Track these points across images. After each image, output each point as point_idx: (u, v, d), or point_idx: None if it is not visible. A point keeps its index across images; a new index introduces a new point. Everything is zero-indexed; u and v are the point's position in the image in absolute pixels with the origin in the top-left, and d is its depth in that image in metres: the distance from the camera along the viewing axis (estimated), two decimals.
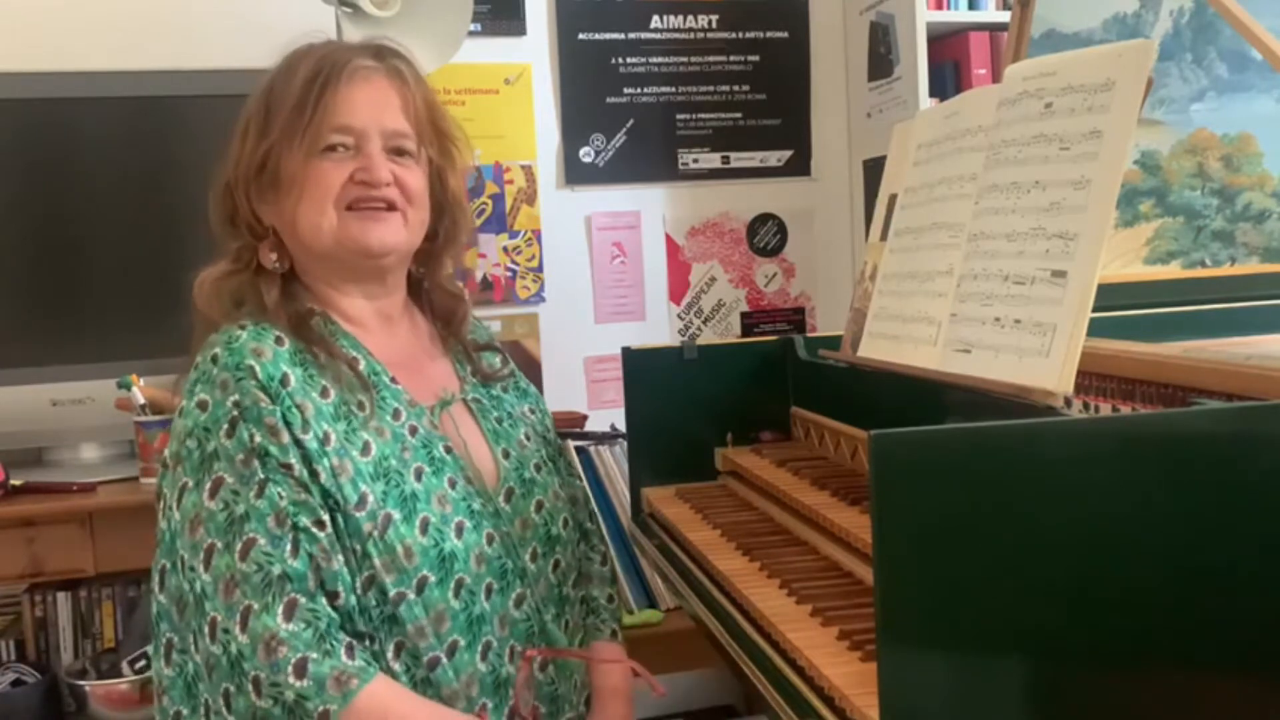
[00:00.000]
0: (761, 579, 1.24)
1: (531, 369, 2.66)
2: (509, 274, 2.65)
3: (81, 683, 1.91)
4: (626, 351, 1.73)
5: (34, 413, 2.02)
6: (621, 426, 1.95)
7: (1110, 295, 1.25)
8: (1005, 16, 2.49)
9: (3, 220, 2.04)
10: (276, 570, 1.15)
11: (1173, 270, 1.83)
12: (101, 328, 2.05)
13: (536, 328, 2.68)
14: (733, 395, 1.73)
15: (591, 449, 2.15)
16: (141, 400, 1.92)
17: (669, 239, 2.77)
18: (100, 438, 2.13)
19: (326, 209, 1.28)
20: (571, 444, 2.13)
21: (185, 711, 1.18)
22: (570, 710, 1.35)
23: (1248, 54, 1.87)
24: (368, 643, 1.19)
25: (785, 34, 2.83)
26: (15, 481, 1.95)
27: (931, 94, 2.53)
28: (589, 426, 2.28)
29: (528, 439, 1.42)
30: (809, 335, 1.90)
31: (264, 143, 1.28)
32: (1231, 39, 1.88)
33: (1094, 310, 1.04)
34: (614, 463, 2.13)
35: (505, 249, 2.65)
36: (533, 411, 1.48)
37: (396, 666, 1.20)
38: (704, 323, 2.81)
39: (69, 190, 2.05)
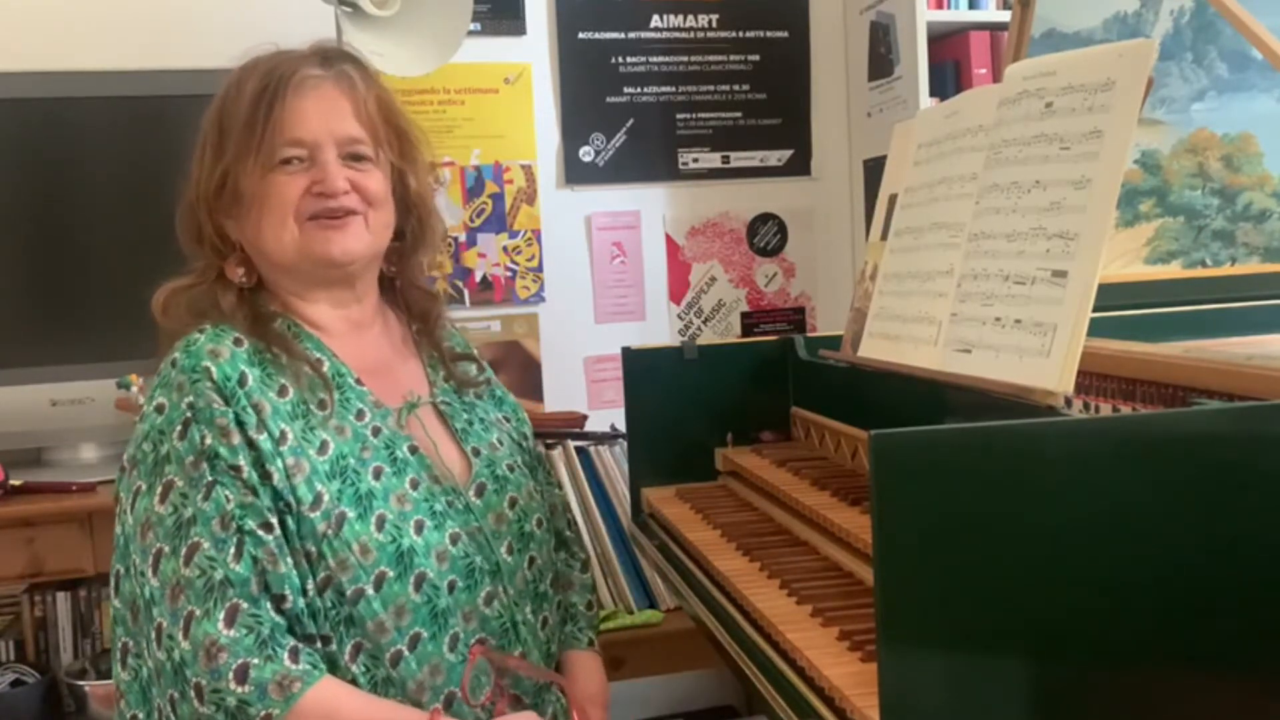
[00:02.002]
0: (762, 579, 1.24)
1: (531, 369, 2.66)
2: (509, 274, 2.65)
3: (81, 683, 1.91)
4: (626, 351, 1.72)
5: (34, 413, 2.02)
6: (621, 426, 1.95)
7: (1110, 295, 1.25)
8: (1005, 16, 2.48)
9: (2, 220, 2.04)
10: (219, 575, 1.15)
11: (1173, 270, 1.83)
12: (101, 328, 2.05)
13: (536, 328, 2.67)
14: (733, 395, 1.73)
15: (591, 449, 2.14)
16: (141, 400, 1.92)
17: (669, 239, 2.77)
18: (100, 438, 2.13)
19: (287, 222, 1.28)
20: (571, 444, 2.13)
21: (141, 715, 1.19)
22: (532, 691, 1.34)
23: (1248, 53, 1.86)
24: (320, 645, 1.19)
25: (785, 34, 2.82)
26: (15, 481, 1.95)
27: (932, 94, 2.52)
28: (589, 426, 2.27)
29: (500, 443, 1.42)
30: (809, 335, 1.89)
31: (220, 163, 1.29)
32: (1232, 38, 1.87)
33: (1094, 310, 1.04)
34: (614, 463, 2.13)
35: (505, 249, 2.65)
36: (508, 419, 1.48)
37: (355, 668, 1.20)
38: (704, 323, 2.80)
39: (69, 190, 2.06)
